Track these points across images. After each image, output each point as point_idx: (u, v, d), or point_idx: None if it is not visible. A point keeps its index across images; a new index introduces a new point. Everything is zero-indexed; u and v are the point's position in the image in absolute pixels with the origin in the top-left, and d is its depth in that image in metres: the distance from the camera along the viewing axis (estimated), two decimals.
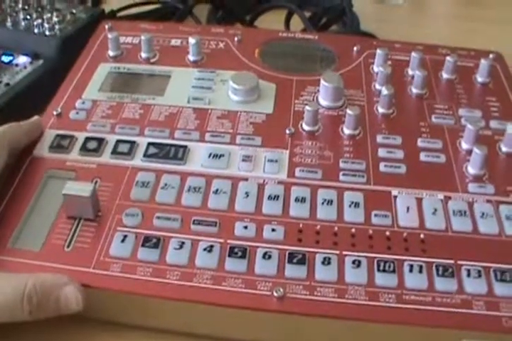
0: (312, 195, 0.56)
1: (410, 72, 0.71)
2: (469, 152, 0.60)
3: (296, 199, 0.55)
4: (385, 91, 0.64)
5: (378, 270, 0.50)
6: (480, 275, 0.50)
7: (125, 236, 0.52)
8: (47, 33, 0.79)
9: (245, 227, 0.53)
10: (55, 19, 0.80)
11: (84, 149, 0.60)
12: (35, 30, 0.79)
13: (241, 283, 0.49)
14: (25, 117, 0.71)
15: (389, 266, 0.50)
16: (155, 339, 0.52)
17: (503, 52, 0.76)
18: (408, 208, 0.55)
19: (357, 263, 0.50)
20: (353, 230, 0.53)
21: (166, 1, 0.96)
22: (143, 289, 0.49)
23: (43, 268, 0.50)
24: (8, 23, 0.80)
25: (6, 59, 0.76)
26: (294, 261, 0.50)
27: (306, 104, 0.62)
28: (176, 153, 0.60)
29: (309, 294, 0.49)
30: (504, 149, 0.61)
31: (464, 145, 0.61)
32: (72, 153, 0.60)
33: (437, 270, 0.50)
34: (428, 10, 1.04)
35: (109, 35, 0.72)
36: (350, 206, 0.55)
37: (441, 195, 0.57)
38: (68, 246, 0.52)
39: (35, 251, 0.52)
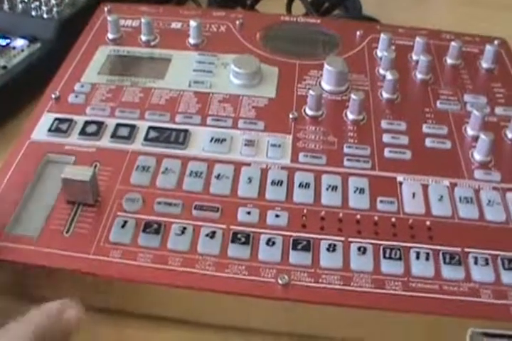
0: (316, 180, 0.55)
1: (414, 57, 0.70)
2: (475, 138, 0.59)
3: (300, 185, 0.54)
4: (389, 76, 0.63)
5: (384, 257, 0.49)
6: (487, 264, 0.49)
7: (125, 222, 0.51)
8: (45, 15, 0.77)
9: (248, 213, 0.52)
10: (53, 2, 0.78)
11: (83, 133, 0.59)
12: (33, 13, 0.78)
13: (244, 270, 0.48)
14: (22, 101, 0.70)
15: (395, 253, 0.49)
16: (156, 327, 0.51)
17: (506, 38, 0.75)
18: (414, 194, 0.54)
19: (362, 250, 0.50)
20: (358, 216, 0.52)
21: None
22: (144, 276, 0.48)
23: (42, 254, 0.49)
24: (5, 6, 0.78)
25: (2, 42, 0.74)
26: (299, 247, 0.49)
27: (309, 89, 0.61)
28: (177, 137, 0.58)
29: (314, 281, 0.48)
30: (510, 136, 0.60)
31: (470, 132, 0.61)
32: (71, 137, 0.59)
33: (444, 257, 0.49)
34: None
35: (109, 18, 0.71)
36: (355, 192, 0.54)
37: (446, 182, 0.56)
38: (67, 232, 0.51)
39: (34, 236, 0.51)
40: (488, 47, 0.69)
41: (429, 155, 0.58)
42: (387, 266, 0.49)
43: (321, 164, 0.57)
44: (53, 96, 0.63)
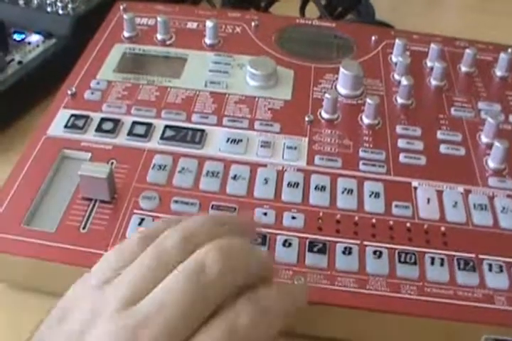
0: (332, 183, 0.55)
1: (429, 64, 0.70)
2: (489, 145, 0.59)
3: (316, 188, 0.55)
4: (404, 81, 0.63)
5: (399, 261, 0.49)
6: (501, 271, 0.49)
7: (142, 220, 0.51)
8: (60, 11, 0.77)
9: (265, 214, 0.52)
10: None
11: (99, 130, 0.59)
12: (48, 9, 0.78)
13: None
14: (37, 96, 0.70)
15: (410, 258, 0.50)
16: None
17: None
18: (429, 200, 0.55)
19: (378, 254, 0.50)
20: (374, 220, 0.53)
21: None
22: None
23: (58, 249, 0.49)
24: (21, 1, 0.79)
25: (18, 37, 0.75)
26: (315, 249, 0.50)
27: (325, 92, 0.62)
28: (194, 137, 0.59)
29: (330, 284, 0.48)
30: None
31: (484, 139, 0.61)
32: (88, 134, 0.59)
33: (459, 263, 0.50)
34: (443, 1, 1.03)
35: (125, 16, 0.71)
36: (370, 196, 0.54)
37: (461, 188, 0.56)
38: (84, 228, 0.51)
39: (50, 231, 0.51)
40: (503, 55, 0.70)
41: (443, 162, 0.59)
42: (403, 270, 0.49)
43: (336, 167, 0.57)
44: (69, 92, 0.63)
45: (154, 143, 0.58)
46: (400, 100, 0.65)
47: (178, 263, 0.37)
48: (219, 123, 0.61)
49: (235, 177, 0.55)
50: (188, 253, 0.37)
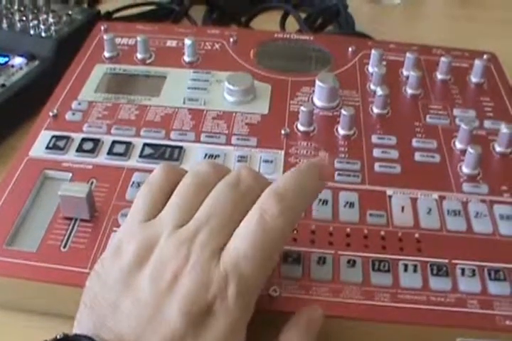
0: None
1: (405, 73, 0.71)
2: (463, 152, 0.60)
3: None
4: (380, 91, 0.65)
5: (373, 269, 0.50)
6: (474, 274, 0.50)
7: None
8: (43, 34, 0.79)
9: None
10: (50, 20, 0.80)
11: (80, 150, 0.60)
12: (31, 32, 0.79)
13: None
14: (20, 118, 0.71)
15: (384, 266, 0.51)
16: None
17: (497, 52, 0.76)
18: (403, 208, 0.56)
19: (352, 263, 0.51)
20: (348, 230, 0.54)
21: (161, 3, 0.96)
22: None
23: (39, 269, 0.50)
24: (4, 25, 0.80)
25: (1, 60, 0.76)
26: (289, 260, 0.51)
27: (301, 105, 0.63)
28: (172, 154, 0.60)
29: (304, 293, 0.49)
30: (498, 149, 0.62)
31: (458, 145, 0.62)
32: (69, 154, 0.60)
33: (432, 269, 0.51)
34: (423, 10, 1.04)
35: (105, 37, 0.72)
36: (345, 206, 0.55)
37: (435, 195, 0.57)
38: (64, 247, 0.52)
39: (32, 251, 0.52)
40: (477, 62, 0.71)
41: (418, 169, 0.60)
42: (376, 278, 0.50)
43: None
44: (51, 113, 0.64)
45: (133, 161, 0.59)
46: (375, 110, 0.66)
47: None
48: (197, 140, 0.62)
49: None
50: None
